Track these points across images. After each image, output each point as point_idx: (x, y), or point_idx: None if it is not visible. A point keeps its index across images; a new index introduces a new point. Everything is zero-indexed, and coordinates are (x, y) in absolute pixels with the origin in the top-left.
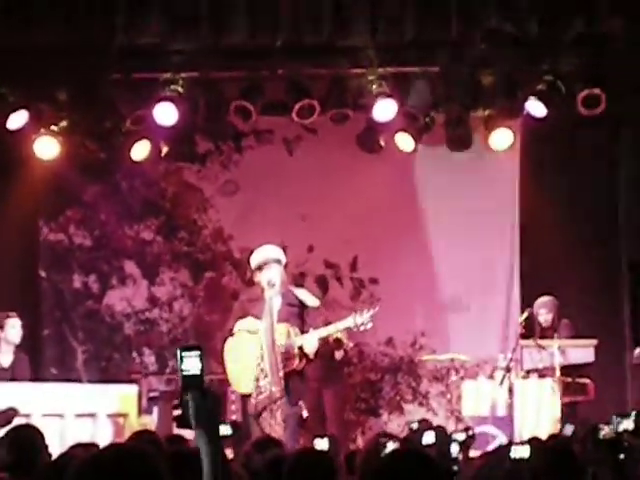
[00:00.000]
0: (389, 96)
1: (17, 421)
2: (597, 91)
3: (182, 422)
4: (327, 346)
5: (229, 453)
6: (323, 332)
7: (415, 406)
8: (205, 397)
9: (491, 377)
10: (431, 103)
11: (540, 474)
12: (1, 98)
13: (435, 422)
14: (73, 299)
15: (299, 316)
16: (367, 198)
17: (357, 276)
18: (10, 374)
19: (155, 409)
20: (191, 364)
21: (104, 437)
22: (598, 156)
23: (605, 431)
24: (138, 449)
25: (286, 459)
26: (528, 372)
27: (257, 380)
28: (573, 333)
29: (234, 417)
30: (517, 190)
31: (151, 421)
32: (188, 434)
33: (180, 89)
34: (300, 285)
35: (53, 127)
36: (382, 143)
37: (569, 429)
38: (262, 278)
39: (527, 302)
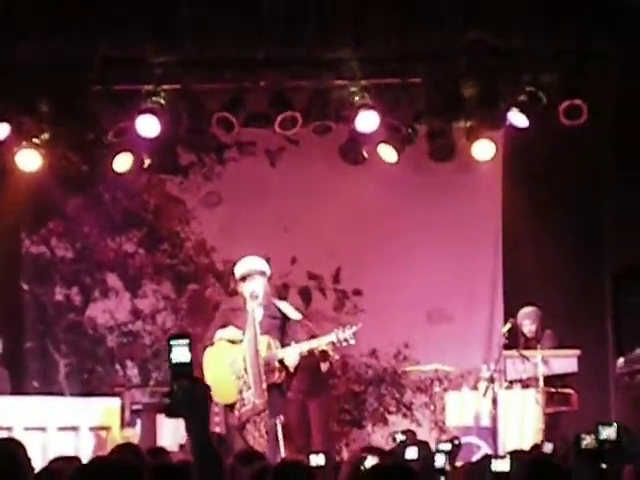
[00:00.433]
0: (371, 108)
1: None
2: (578, 102)
3: (172, 411)
4: (313, 358)
5: None
6: (305, 346)
7: (399, 417)
8: (194, 386)
9: (475, 388)
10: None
11: None
12: None
13: (419, 433)
14: (55, 312)
15: (280, 329)
16: (350, 209)
17: (340, 287)
18: None
19: (138, 422)
20: (180, 353)
21: (87, 450)
22: (580, 166)
23: (587, 441)
24: (123, 462)
25: (270, 471)
26: (511, 383)
27: (240, 392)
28: (556, 343)
29: (217, 429)
30: (500, 201)
31: (134, 434)
32: (170, 446)
33: (162, 101)
34: (283, 297)
35: (35, 139)
36: (365, 154)
37: (548, 447)
38: (245, 289)
39: (510, 312)
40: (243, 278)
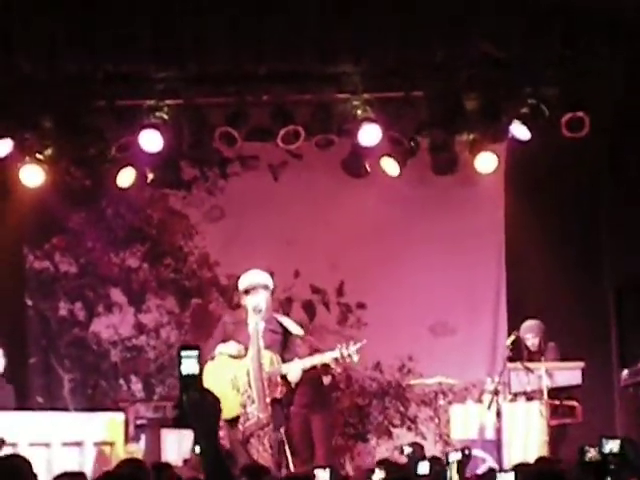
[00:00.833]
0: (374, 121)
1: (4, 451)
2: (581, 114)
3: (181, 422)
4: (315, 372)
5: None
6: (307, 362)
7: (404, 430)
8: (204, 397)
9: (479, 400)
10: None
11: None
12: None
13: (424, 446)
14: (59, 327)
15: (282, 344)
16: (353, 223)
17: (344, 301)
18: None
19: (142, 437)
20: (190, 365)
21: (91, 466)
22: (582, 179)
23: (591, 453)
24: (128, 477)
25: None
26: (516, 395)
27: (244, 406)
28: (560, 356)
29: (221, 443)
30: (502, 214)
31: (138, 449)
32: (174, 461)
33: (165, 116)
34: (287, 311)
35: (38, 155)
36: (368, 168)
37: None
38: (248, 302)
39: (514, 325)
40: (247, 291)
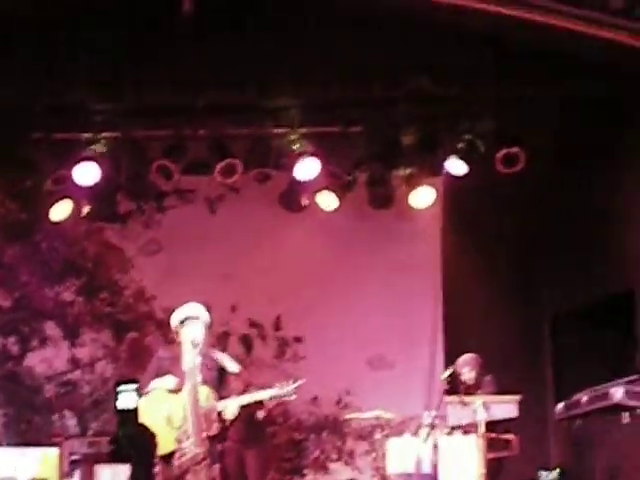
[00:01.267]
0: (312, 155)
1: None
2: (516, 149)
3: (117, 457)
4: (248, 406)
5: None
6: (245, 399)
7: (340, 465)
8: (140, 432)
9: (416, 434)
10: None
11: None
12: None
13: None
14: None
15: (218, 380)
16: (290, 257)
17: (281, 335)
18: None
19: (77, 472)
20: (126, 399)
21: None
22: (517, 213)
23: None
24: None
25: None
26: (453, 428)
27: (179, 442)
28: (497, 389)
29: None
30: (439, 247)
31: None
32: None
33: (102, 149)
34: (224, 344)
35: None
36: (305, 202)
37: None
38: (184, 336)
39: (451, 358)
40: (182, 322)
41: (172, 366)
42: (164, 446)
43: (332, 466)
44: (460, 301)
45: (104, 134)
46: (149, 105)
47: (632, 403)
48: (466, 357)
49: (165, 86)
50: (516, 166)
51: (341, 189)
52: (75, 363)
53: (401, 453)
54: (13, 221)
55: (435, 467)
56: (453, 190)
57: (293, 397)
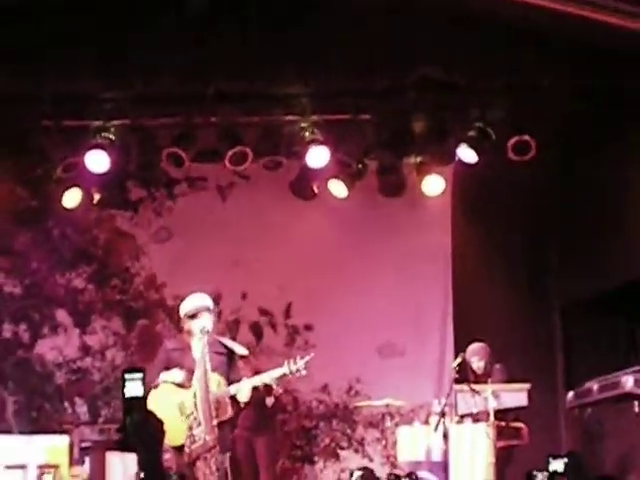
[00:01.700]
0: (322, 143)
1: None
2: (527, 137)
3: (124, 445)
4: (257, 393)
5: None
6: (256, 380)
7: (351, 453)
8: (147, 420)
9: (426, 422)
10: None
11: None
12: None
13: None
14: (3, 348)
15: (227, 364)
16: (301, 244)
17: (291, 323)
18: None
19: (87, 460)
20: (133, 387)
21: None
22: (529, 201)
23: (539, 478)
24: None
25: None
26: (462, 417)
27: (190, 429)
28: (506, 377)
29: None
30: (449, 235)
31: (83, 472)
32: None
33: (112, 136)
34: (234, 332)
35: None
36: (315, 190)
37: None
38: (194, 326)
39: (461, 346)
40: (193, 315)
41: (182, 357)
42: (175, 438)
43: (342, 454)
44: (470, 289)
45: (114, 122)
46: (159, 93)
47: None
48: (475, 346)
49: (175, 74)
50: (527, 154)
51: (351, 177)
52: (86, 350)
53: (411, 441)
54: (24, 208)
55: (445, 455)
56: (464, 178)
57: (304, 372)
